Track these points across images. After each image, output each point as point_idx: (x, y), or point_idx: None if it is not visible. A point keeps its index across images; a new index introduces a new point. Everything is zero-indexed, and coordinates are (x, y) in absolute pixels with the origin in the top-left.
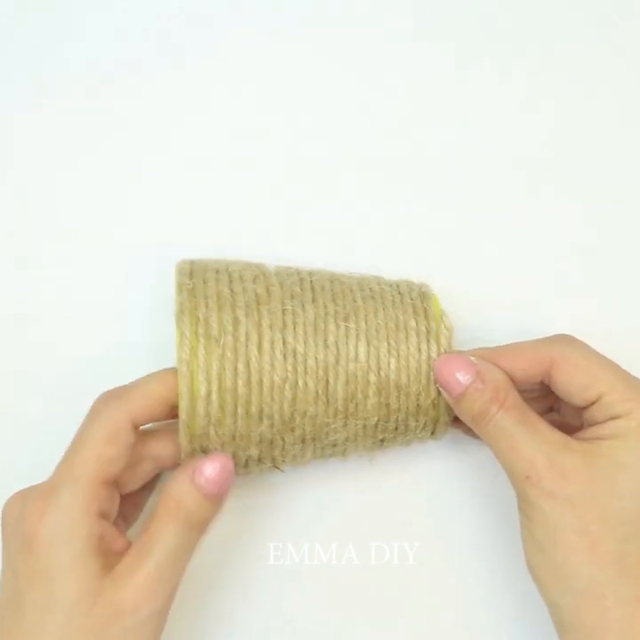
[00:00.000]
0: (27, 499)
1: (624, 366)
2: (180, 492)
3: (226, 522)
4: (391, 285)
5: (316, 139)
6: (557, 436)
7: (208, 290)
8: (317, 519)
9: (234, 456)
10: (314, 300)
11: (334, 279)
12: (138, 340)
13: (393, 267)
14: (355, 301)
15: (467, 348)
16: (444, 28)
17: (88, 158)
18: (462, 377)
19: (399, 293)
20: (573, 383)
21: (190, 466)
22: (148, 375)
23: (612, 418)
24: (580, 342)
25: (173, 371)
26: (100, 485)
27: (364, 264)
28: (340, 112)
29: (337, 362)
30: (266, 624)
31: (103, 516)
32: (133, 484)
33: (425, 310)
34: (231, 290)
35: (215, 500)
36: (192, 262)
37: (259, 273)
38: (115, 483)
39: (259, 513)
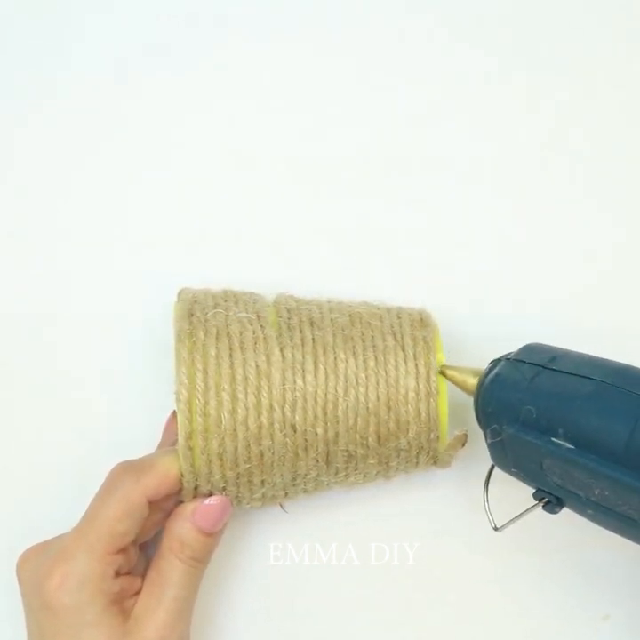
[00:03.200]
0: (41, 558)
1: None
2: (182, 533)
3: (226, 522)
4: (396, 338)
5: (318, 141)
6: None
7: (208, 364)
8: (317, 519)
9: (238, 505)
10: (316, 369)
11: (337, 333)
12: (138, 341)
13: (394, 268)
14: (357, 368)
15: (469, 352)
16: (444, 30)
17: (89, 159)
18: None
19: (402, 349)
20: None
21: (190, 507)
22: (164, 452)
23: None
24: None
25: None
26: (115, 554)
27: (364, 266)
28: (340, 114)
29: (337, 434)
30: (266, 624)
31: (121, 572)
32: (146, 535)
33: (427, 373)
34: (231, 362)
35: (216, 535)
36: (190, 319)
37: (260, 333)
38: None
39: (259, 513)
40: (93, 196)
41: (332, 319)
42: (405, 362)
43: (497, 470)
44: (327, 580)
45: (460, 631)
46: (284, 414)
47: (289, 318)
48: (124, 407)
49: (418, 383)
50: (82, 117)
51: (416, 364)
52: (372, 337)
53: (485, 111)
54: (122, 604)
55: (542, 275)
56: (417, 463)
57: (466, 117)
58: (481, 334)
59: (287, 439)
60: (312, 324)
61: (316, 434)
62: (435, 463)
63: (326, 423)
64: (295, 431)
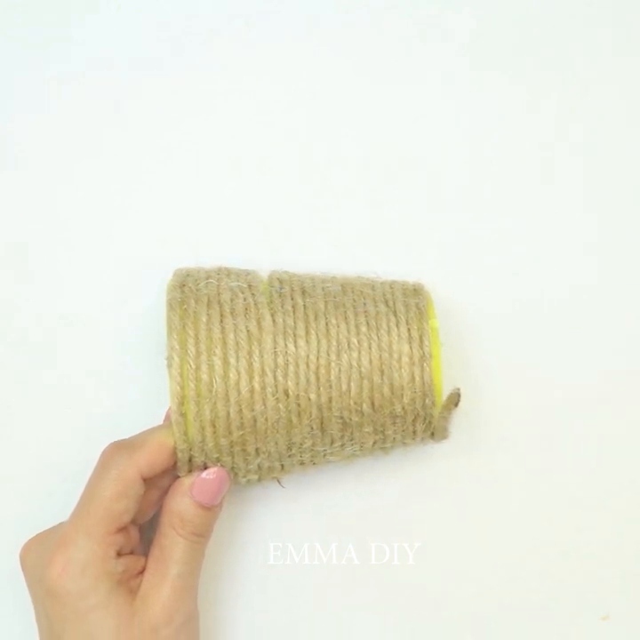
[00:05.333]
0: (43, 547)
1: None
2: (182, 509)
3: (226, 522)
4: (388, 304)
5: (319, 142)
6: None
7: (199, 329)
8: (317, 519)
9: (234, 478)
10: (307, 334)
11: (329, 300)
12: (138, 340)
13: (394, 268)
14: (349, 332)
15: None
16: (445, 31)
17: (88, 160)
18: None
19: (394, 314)
20: None
21: (187, 482)
22: (155, 428)
23: None
24: None
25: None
26: (115, 534)
27: (364, 265)
28: (342, 115)
29: (330, 399)
30: (266, 624)
31: (123, 553)
32: (145, 515)
33: (420, 337)
34: (222, 327)
35: (215, 508)
36: (182, 288)
37: (250, 300)
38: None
39: (259, 513)
40: (92, 198)
41: (323, 288)
42: (398, 326)
43: (491, 466)
44: (327, 580)
45: (460, 631)
46: (276, 379)
47: (281, 288)
48: (123, 404)
49: (411, 348)
50: (82, 115)
51: (408, 329)
52: (364, 303)
53: (484, 111)
54: (128, 583)
55: (544, 277)
56: (414, 432)
57: (465, 117)
58: (480, 330)
59: (280, 404)
60: (303, 292)
61: (309, 399)
62: (432, 435)
63: (319, 388)
64: (288, 396)
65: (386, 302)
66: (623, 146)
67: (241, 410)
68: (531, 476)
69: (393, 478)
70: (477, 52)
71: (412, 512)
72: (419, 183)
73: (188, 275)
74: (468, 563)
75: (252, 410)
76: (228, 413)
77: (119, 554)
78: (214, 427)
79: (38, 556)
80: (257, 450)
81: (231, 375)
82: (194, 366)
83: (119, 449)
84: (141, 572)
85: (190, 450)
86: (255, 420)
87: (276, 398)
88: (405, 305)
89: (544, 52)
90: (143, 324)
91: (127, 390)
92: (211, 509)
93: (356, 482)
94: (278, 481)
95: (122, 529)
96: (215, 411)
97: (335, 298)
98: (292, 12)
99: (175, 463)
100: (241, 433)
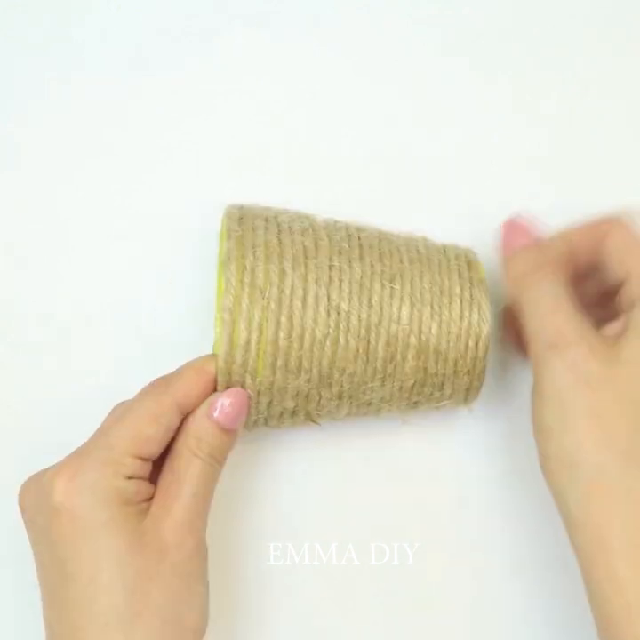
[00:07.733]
0: (47, 473)
1: None
2: (200, 430)
3: (226, 521)
4: (438, 249)
5: (319, 142)
6: (591, 322)
7: (256, 239)
8: (317, 519)
9: (269, 406)
10: (361, 258)
11: (382, 237)
12: (139, 342)
13: None
14: (401, 262)
15: None
16: (444, 31)
17: (91, 161)
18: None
19: (445, 257)
20: (613, 257)
21: (207, 404)
22: (193, 361)
23: (634, 303)
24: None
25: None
26: (134, 458)
27: None
28: (342, 115)
29: (379, 322)
30: (266, 624)
31: (135, 477)
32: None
33: (470, 278)
34: (279, 240)
35: (233, 432)
36: (241, 208)
37: (308, 225)
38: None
39: (259, 513)
40: (92, 198)
41: (377, 236)
42: (448, 267)
43: (492, 468)
44: (327, 579)
45: (460, 631)
46: (328, 294)
47: (336, 230)
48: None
49: (462, 289)
50: (82, 115)
51: (459, 270)
52: (417, 250)
53: (484, 111)
54: (138, 505)
55: None
56: (454, 374)
57: (465, 117)
58: None
59: (330, 319)
60: (358, 228)
61: (359, 318)
62: (467, 393)
63: (370, 308)
64: (338, 313)
65: (437, 250)
66: (623, 146)
67: (291, 317)
68: (530, 476)
69: (393, 478)
70: (477, 52)
71: (411, 512)
72: (419, 183)
73: (242, 208)
74: (469, 563)
75: (302, 319)
76: (279, 320)
77: (130, 478)
78: (261, 331)
79: (40, 482)
80: (299, 367)
81: (286, 282)
82: (249, 268)
83: (156, 380)
84: (150, 498)
85: (233, 348)
86: (303, 331)
87: (327, 312)
88: (456, 253)
89: (544, 51)
90: (144, 325)
91: (127, 390)
92: (228, 433)
93: (356, 482)
94: (313, 420)
95: (142, 458)
96: (265, 314)
97: (388, 237)
98: (292, 12)
99: (214, 388)
100: (287, 342)
